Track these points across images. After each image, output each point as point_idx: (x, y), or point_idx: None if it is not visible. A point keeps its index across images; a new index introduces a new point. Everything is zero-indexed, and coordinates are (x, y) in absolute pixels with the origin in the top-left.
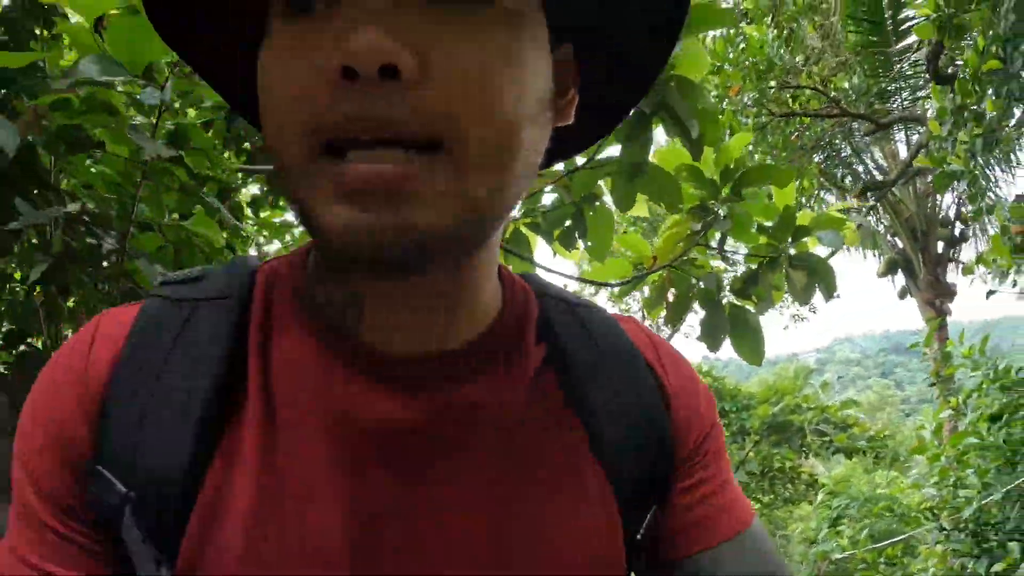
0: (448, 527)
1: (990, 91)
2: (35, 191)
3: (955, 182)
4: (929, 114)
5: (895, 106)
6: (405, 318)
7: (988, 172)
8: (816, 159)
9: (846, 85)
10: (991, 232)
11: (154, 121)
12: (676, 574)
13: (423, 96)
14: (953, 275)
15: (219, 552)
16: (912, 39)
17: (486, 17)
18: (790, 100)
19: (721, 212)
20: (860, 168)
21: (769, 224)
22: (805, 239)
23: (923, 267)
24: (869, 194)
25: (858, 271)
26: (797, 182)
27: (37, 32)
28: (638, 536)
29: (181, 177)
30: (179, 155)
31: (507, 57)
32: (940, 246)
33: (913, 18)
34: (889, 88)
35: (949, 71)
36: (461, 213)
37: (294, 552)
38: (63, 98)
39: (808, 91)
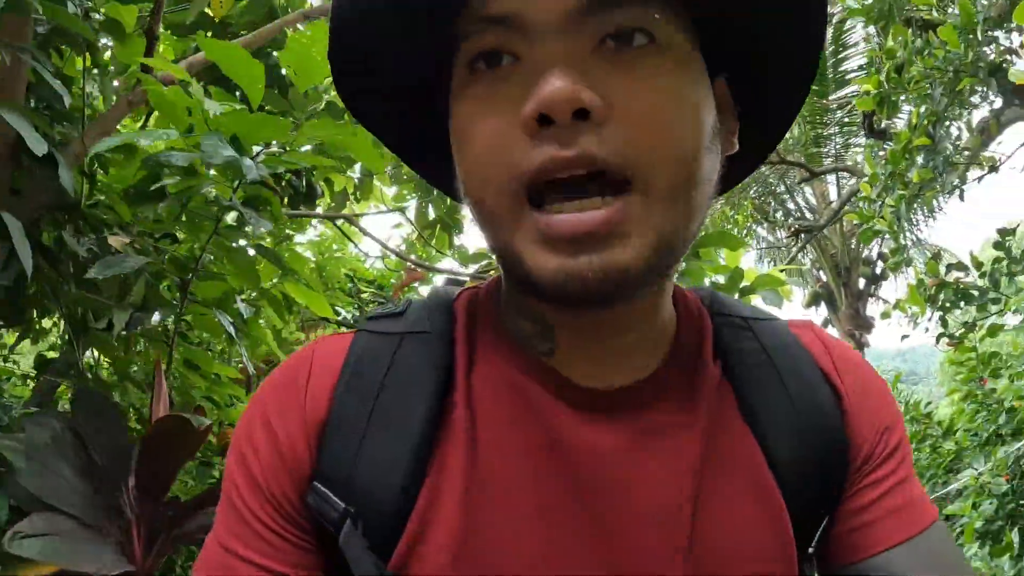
0: (641, 538)
1: (919, 159)
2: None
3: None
4: (860, 162)
5: (829, 151)
6: (592, 347)
7: (912, 217)
8: (751, 194)
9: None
10: (908, 271)
11: (233, 186)
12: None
13: (613, 133)
14: (872, 308)
15: (427, 561)
16: (851, 88)
17: (651, 59)
18: None
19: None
20: (792, 205)
21: (720, 279)
22: (750, 296)
23: (845, 300)
24: (800, 237)
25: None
26: (732, 214)
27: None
28: (810, 550)
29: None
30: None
31: (678, 94)
32: (861, 282)
33: (853, 70)
34: (824, 134)
35: (883, 126)
36: (656, 247)
37: (495, 562)
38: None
39: None
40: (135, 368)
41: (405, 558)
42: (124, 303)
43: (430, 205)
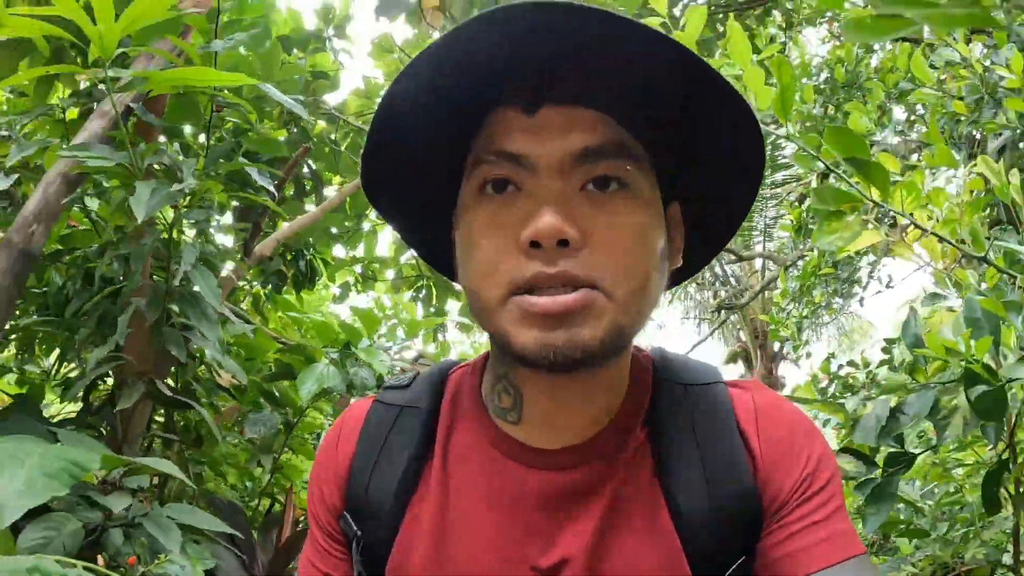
0: (559, 556)
1: (825, 285)
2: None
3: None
4: (784, 237)
5: (758, 224)
6: (551, 412)
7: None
8: None
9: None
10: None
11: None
12: None
13: (586, 258)
14: (785, 368)
15: (405, 571)
16: (782, 174)
17: (621, 201)
18: None
19: None
20: (719, 271)
21: None
22: None
23: (760, 361)
24: (723, 312)
25: (707, 355)
26: None
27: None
28: None
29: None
30: None
31: (638, 229)
32: (776, 345)
33: (787, 156)
34: (754, 213)
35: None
36: (612, 331)
37: (459, 569)
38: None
39: None
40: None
41: (396, 573)
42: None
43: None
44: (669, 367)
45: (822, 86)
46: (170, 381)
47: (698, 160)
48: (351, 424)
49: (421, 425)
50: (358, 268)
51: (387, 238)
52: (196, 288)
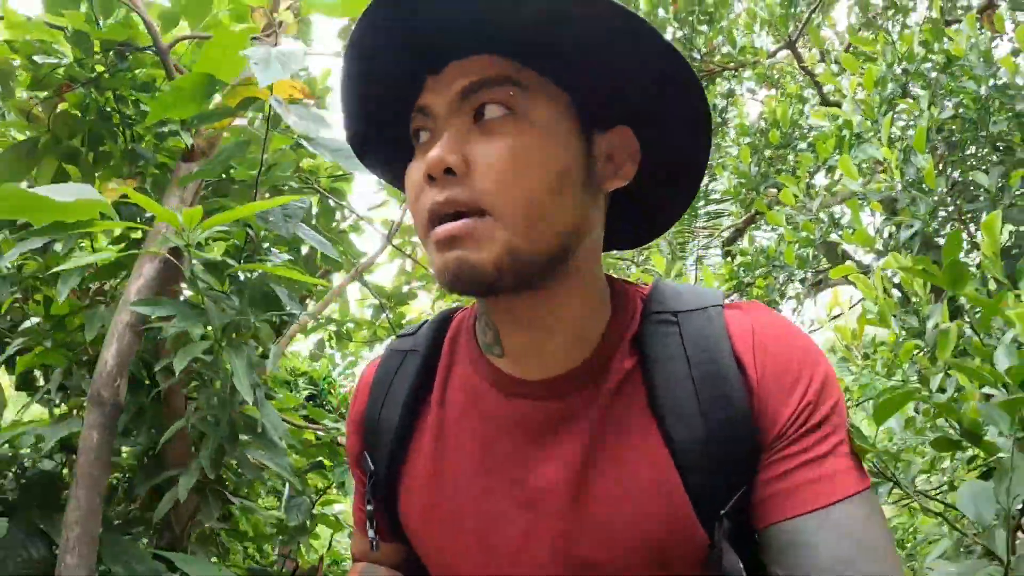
0: (544, 480)
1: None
2: None
3: None
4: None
5: (692, 248)
6: (528, 346)
7: None
8: None
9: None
10: None
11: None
12: (761, 543)
13: (472, 184)
14: None
15: (411, 493)
16: (714, 207)
17: (507, 126)
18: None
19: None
20: None
21: None
22: None
23: None
24: None
25: None
26: None
27: None
28: (722, 512)
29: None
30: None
31: (528, 151)
32: None
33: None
34: (687, 244)
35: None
36: (505, 253)
37: (451, 495)
38: None
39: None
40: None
41: (398, 494)
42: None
43: None
44: (660, 296)
45: (756, 142)
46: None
47: (627, 89)
48: (367, 375)
49: (421, 364)
50: (332, 327)
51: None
52: (262, 422)
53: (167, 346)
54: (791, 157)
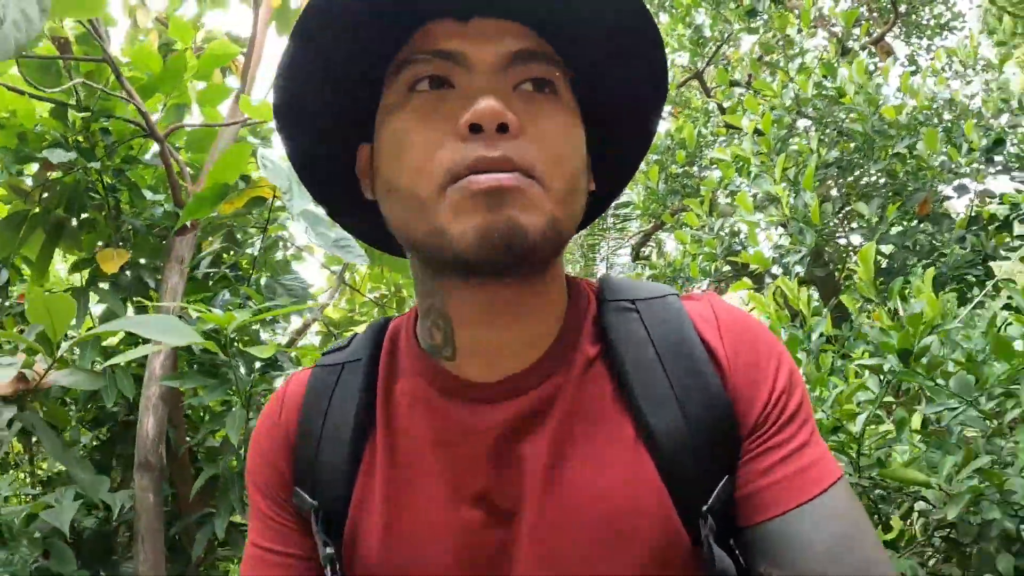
0: (513, 487)
1: None
2: None
3: None
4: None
5: (602, 246)
6: (487, 343)
7: None
8: None
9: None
10: None
11: None
12: (748, 541)
13: (524, 145)
14: None
15: (364, 541)
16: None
17: (551, 103)
18: None
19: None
20: None
21: None
22: None
23: None
24: None
25: None
26: None
27: None
28: (704, 508)
29: None
30: None
31: (569, 130)
32: None
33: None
34: (598, 243)
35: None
36: (550, 224)
37: (412, 528)
38: None
39: None
40: None
41: (351, 538)
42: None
43: None
44: (613, 287)
45: (664, 160)
46: None
47: (605, 77)
48: (294, 391)
49: (363, 377)
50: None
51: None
52: None
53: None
54: (696, 171)
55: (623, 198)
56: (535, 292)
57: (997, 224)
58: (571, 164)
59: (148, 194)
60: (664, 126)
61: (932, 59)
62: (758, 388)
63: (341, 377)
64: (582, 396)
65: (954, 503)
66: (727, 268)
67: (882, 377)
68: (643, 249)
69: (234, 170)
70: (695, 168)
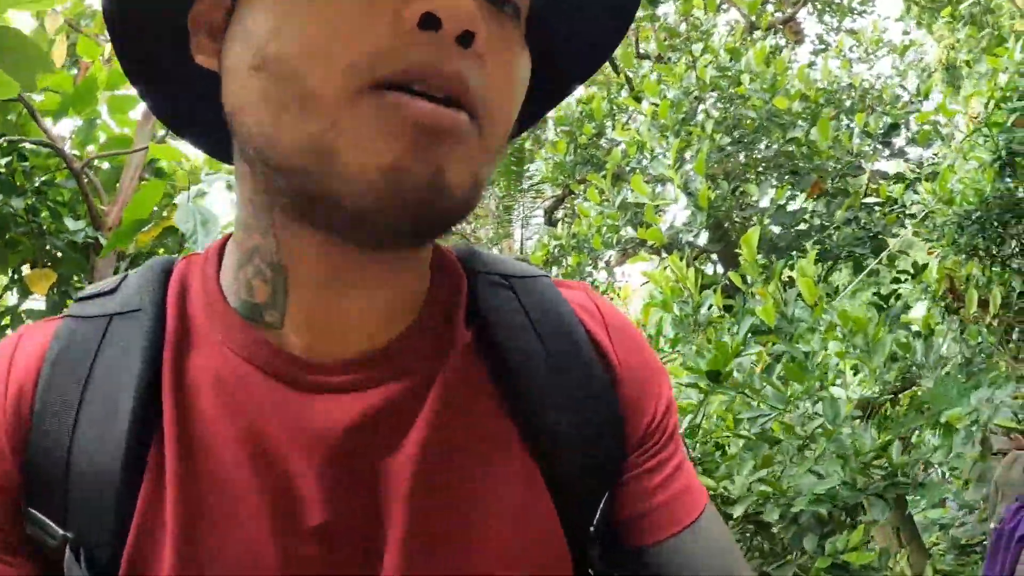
0: (370, 525)
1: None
2: None
3: None
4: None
5: (519, 213)
6: (332, 310)
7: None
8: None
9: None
10: None
11: None
12: (642, 561)
13: (482, 72)
14: None
15: (146, 563)
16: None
17: (512, 25)
18: None
19: None
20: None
21: None
22: None
23: None
24: None
25: None
26: None
27: None
28: (591, 528)
29: None
30: None
31: (521, 63)
32: None
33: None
34: (513, 205)
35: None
36: (474, 184)
37: (222, 548)
38: None
39: None
40: None
41: (119, 560)
42: None
43: None
44: (480, 258)
45: (573, 131)
46: None
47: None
48: (30, 352)
49: (146, 337)
50: None
51: None
52: None
53: None
54: (604, 143)
55: (535, 171)
56: (415, 259)
57: (892, 204)
58: (513, 111)
59: (70, 222)
60: (575, 93)
61: (838, 41)
62: (648, 399)
63: (109, 335)
64: (457, 392)
65: (740, 503)
66: (633, 235)
67: (697, 391)
68: (555, 213)
69: (147, 207)
70: (602, 140)
